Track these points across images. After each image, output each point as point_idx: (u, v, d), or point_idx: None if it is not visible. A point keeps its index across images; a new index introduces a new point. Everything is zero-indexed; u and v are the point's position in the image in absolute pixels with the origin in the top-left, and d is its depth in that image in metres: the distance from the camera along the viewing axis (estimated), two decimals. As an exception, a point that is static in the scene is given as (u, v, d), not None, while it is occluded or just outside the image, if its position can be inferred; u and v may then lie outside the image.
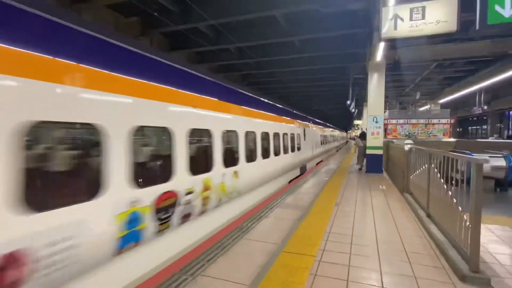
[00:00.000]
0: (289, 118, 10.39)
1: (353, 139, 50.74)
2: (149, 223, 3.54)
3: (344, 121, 58.41)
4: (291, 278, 2.82)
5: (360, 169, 11.59)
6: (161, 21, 9.93)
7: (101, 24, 9.69)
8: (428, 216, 4.48)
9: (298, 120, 11.93)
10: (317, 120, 18.90)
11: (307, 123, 14.17)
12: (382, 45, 8.69)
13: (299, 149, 11.28)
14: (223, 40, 11.98)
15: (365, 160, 11.23)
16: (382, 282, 2.77)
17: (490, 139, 19.92)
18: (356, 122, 46.06)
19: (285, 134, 9.43)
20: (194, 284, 2.73)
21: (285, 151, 9.35)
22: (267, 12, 9.05)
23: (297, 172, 11.40)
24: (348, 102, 20.61)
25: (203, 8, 9.17)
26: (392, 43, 8.91)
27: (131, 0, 8.44)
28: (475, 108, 25.05)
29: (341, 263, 3.15)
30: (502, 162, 7.44)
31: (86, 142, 3.37)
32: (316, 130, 16.70)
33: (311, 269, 3.00)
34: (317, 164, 16.40)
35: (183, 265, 3.10)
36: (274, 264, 3.11)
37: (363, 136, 12.27)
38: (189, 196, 4.34)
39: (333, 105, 38.60)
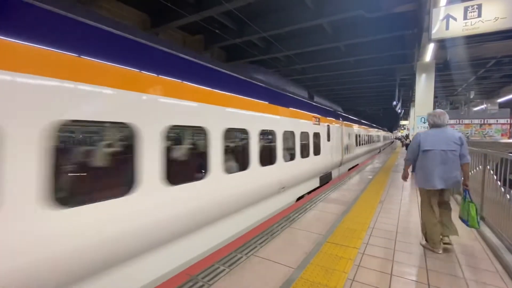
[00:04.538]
0: (302, 112, 6.96)
1: (399, 139, 46.82)
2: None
3: (389, 122, 54.10)
4: (334, 266, 2.77)
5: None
6: (221, 37, 10.42)
7: (172, 42, 10.57)
8: (482, 219, 3.95)
9: (319, 115, 8.23)
10: (352, 117, 13.97)
11: (335, 119, 10.10)
12: (431, 46, 7.87)
13: (317, 152, 7.87)
14: (273, 49, 12.09)
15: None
16: (428, 279, 2.55)
17: None
18: (403, 122, 42.33)
19: (289, 132, 6.16)
20: (248, 262, 2.86)
21: (289, 158, 6.07)
22: (314, 22, 8.86)
23: (314, 183, 7.93)
24: (394, 102, 19.06)
25: (257, 23, 9.39)
26: (443, 43, 7.99)
27: (197, 21, 9.02)
28: (542, 107, 21.04)
29: (384, 258, 2.98)
30: None
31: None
32: (350, 129, 12.44)
33: (355, 260, 2.90)
34: (350, 169, 12.40)
35: (238, 246, 3.25)
36: (319, 252, 3.08)
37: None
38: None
39: (378, 105, 36.07)
